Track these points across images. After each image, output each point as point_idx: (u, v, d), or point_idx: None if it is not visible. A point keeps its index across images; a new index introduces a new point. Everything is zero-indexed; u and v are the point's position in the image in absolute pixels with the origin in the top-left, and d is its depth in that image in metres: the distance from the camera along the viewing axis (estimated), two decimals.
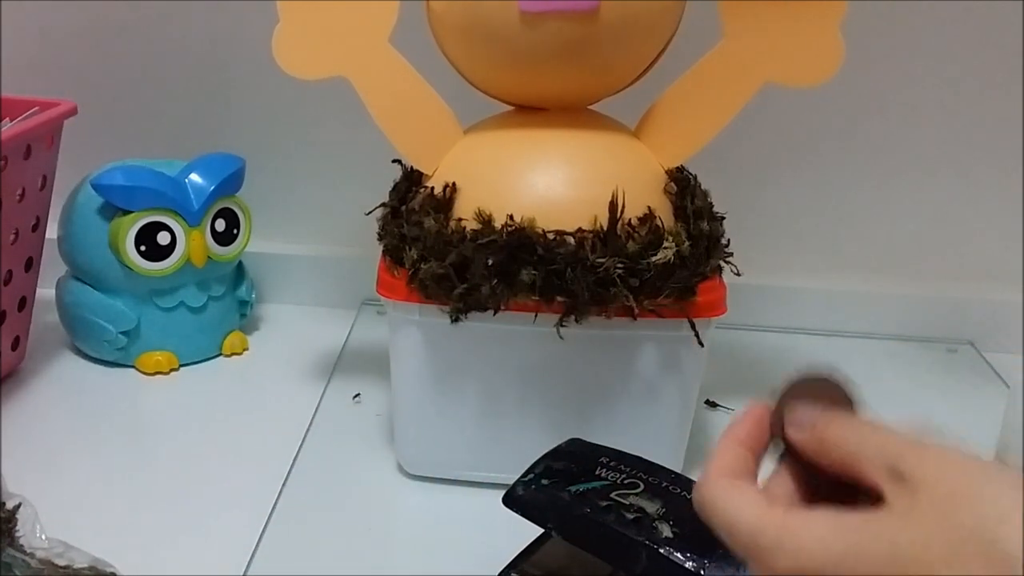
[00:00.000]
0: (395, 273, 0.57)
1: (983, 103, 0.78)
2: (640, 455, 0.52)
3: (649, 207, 0.55)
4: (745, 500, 0.32)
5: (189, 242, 0.73)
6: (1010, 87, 0.76)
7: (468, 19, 0.56)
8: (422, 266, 0.54)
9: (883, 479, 0.30)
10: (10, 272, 0.70)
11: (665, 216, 0.56)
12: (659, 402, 0.59)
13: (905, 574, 0.27)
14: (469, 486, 0.62)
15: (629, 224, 0.54)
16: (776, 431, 0.36)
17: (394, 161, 0.63)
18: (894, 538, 0.28)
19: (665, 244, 0.53)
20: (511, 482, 0.50)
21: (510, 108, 0.61)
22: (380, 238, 0.59)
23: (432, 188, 0.58)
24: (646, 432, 0.59)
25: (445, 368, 0.59)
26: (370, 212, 0.61)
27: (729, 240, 0.59)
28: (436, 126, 0.59)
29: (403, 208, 0.59)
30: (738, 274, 0.59)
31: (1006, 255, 0.82)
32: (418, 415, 0.61)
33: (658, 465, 0.52)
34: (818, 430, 0.33)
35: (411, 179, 0.63)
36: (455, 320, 0.55)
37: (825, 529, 0.30)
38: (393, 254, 0.57)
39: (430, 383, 0.59)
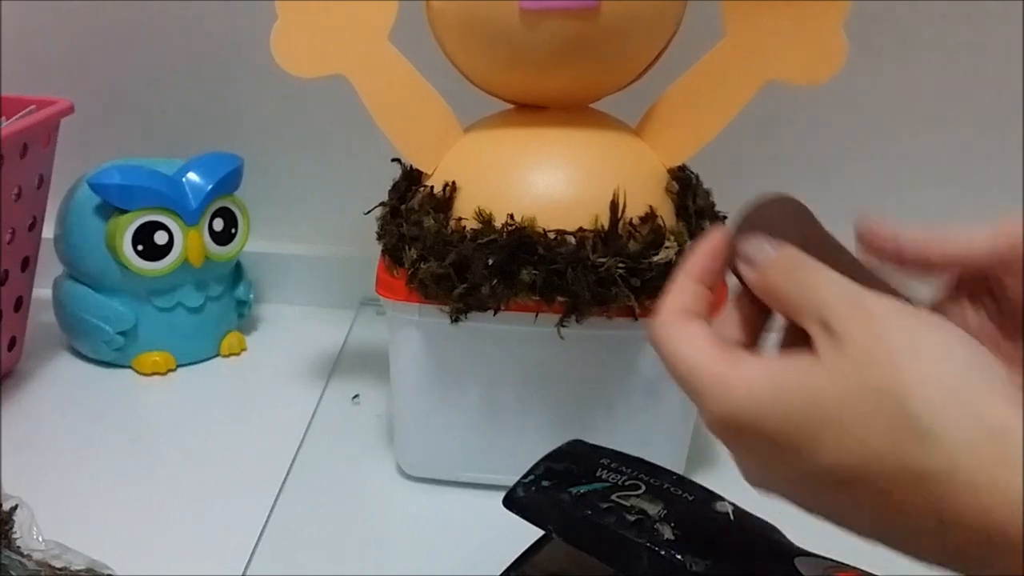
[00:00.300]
0: (395, 273, 0.56)
1: (984, 103, 0.77)
2: (641, 456, 0.52)
3: (651, 206, 0.55)
4: (691, 341, 0.33)
5: (187, 241, 0.73)
6: (1010, 87, 0.76)
7: (468, 18, 0.56)
8: (422, 266, 0.54)
9: (816, 330, 0.30)
10: (6, 272, 0.70)
11: (667, 215, 0.56)
12: (661, 403, 0.58)
13: (821, 426, 0.28)
14: (469, 488, 0.61)
15: (630, 223, 0.54)
16: (730, 263, 0.35)
17: (393, 160, 0.62)
18: (814, 391, 0.29)
19: (667, 244, 0.53)
20: (511, 483, 0.50)
21: (510, 107, 0.61)
22: (379, 238, 0.59)
23: (432, 187, 0.57)
24: (647, 433, 0.59)
25: (445, 368, 0.59)
26: (369, 211, 0.61)
27: None
28: (436, 125, 0.59)
29: (403, 207, 0.59)
30: None
31: None
32: (418, 416, 0.61)
33: (660, 467, 0.51)
34: (763, 273, 0.33)
35: (411, 178, 0.62)
36: (455, 320, 0.55)
37: (755, 377, 0.30)
38: (392, 254, 0.57)
39: (430, 383, 0.59)
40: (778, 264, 0.33)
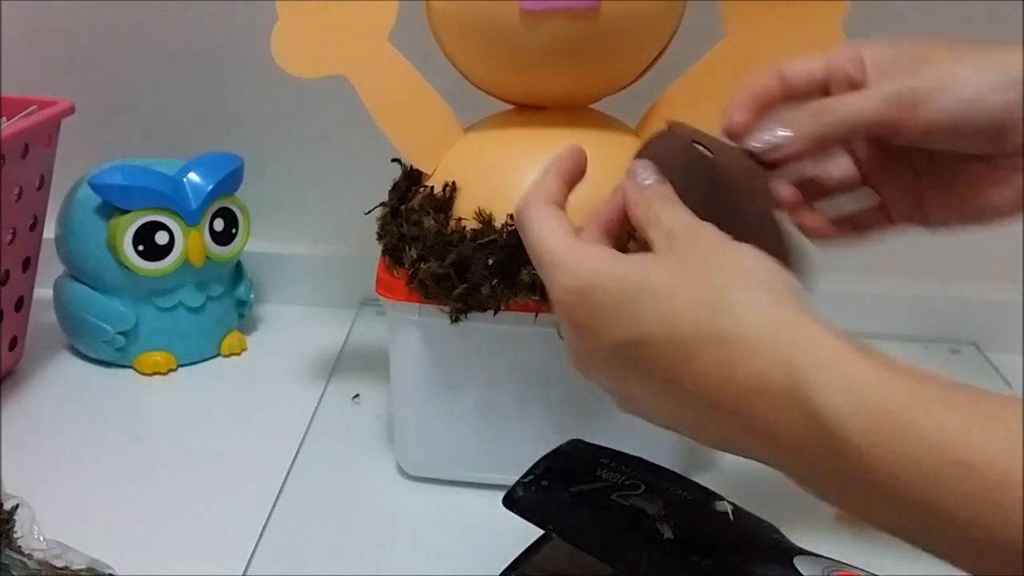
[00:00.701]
0: (395, 273, 0.57)
1: None
2: (641, 456, 0.52)
3: None
4: (551, 222, 0.39)
5: (187, 242, 0.73)
6: None
7: (468, 18, 0.56)
8: (422, 266, 0.54)
9: (660, 240, 0.37)
10: (7, 272, 0.70)
11: None
12: None
13: (645, 294, 0.34)
14: (469, 487, 0.62)
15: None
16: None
17: (394, 160, 0.63)
18: (644, 267, 0.35)
19: None
20: (511, 483, 0.50)
21: (510, 107, 0.61)
22: (380, 238, 0.59)
23: (432, 187, 0.57)
24: (647, 433, 0.58)
25: (445, 368, 0.59)
26: (370, 211, 0.61)
27: None
28: (436, 125, 0.59)
29: (403, 207, 0.59)
30: None
31: (1009, 255, 0.81)
32: (418, 416, 0.61)
33: (659, 466, 0.52)
34: (641, 192, 0.39)
35: (411, 178, 0.62)
36: (455, 320, 0.55)
37: (599, 251, 0.37)
38: (393, 254, 0.57)
39: (430, 383, 0.59)
40: (653, 190, 0.39)
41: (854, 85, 0.40)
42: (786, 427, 0.30)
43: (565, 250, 0.37)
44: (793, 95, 0.42)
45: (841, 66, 0.41)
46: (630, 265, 0.36)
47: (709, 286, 0.33)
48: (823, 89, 0.41)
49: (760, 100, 0.42)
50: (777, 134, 0.40)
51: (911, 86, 0.38)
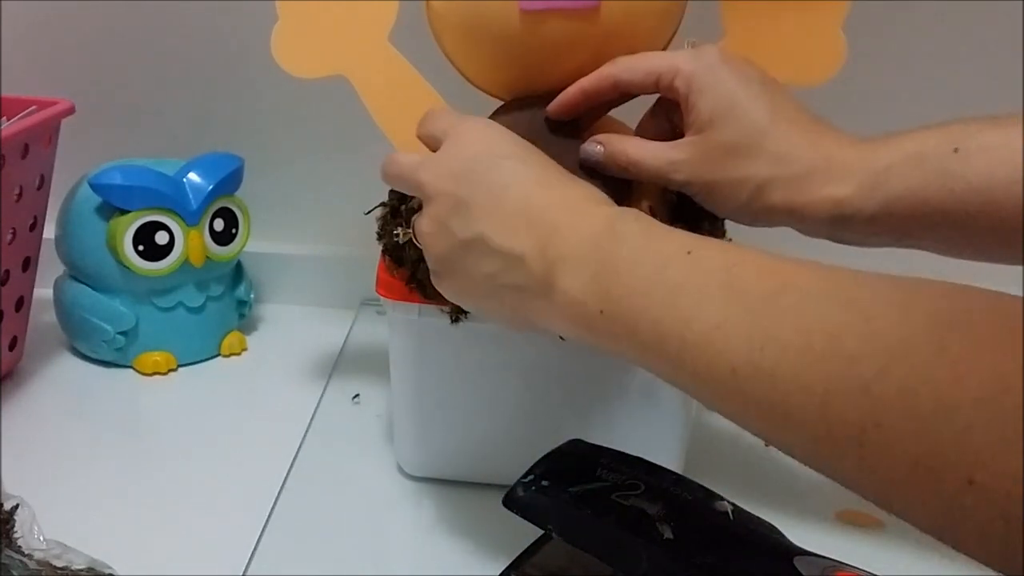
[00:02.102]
0: (395, 273, 0.57)
1: (983, 102, 0.77)
2: (641, 456, 0.52)
3: (650, 206, 0.55)
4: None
5: (187, 242, 0.73)
6: (1010, 87, 0.76)
7: (468, 18, 0.56)
8: (422, 266, 0.54)
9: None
10: (7, 272, 0.70)
11: (666, 216, 0.56)
12: (660, 403, 0.58)
13: (513, 144, 0.47)
14: (469, 487, 0.62)
15: None
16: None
17: None
18: (515, 137, 0.48)
19: None
20: (511, 483, 0.50)
21: None
22: (380, 238, 0.59)
23: None
24: (647, 433, 0.59)
25: (445, 368, 0.59)
26: (370, 212, 0.61)
27: (731, 241, 0.58)
28: None
29: (403, 207, 0.59)
30: None
31: None
32: (418, 415, 0.61)
33: (659, 466, 0.52)
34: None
35: None
36: (455, 320, 0.55)
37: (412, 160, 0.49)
38: (393, 254, 0.57)
39: (430, 383, 0.59)
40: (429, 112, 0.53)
41: (675, 93, 0.50)
42: (586, 227, 0.41)
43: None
44: (625, 96, 0.53)
45: (668, 83, 0.50)
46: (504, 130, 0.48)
47: (471, 177, 0.45)
48: (653, 90, 0.51)
49: (589, 97, 0.52)
50: (591, 155, 0.52)
51: (702, 179, 0.49)
